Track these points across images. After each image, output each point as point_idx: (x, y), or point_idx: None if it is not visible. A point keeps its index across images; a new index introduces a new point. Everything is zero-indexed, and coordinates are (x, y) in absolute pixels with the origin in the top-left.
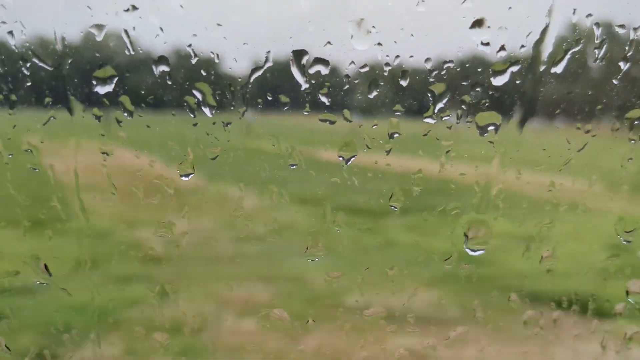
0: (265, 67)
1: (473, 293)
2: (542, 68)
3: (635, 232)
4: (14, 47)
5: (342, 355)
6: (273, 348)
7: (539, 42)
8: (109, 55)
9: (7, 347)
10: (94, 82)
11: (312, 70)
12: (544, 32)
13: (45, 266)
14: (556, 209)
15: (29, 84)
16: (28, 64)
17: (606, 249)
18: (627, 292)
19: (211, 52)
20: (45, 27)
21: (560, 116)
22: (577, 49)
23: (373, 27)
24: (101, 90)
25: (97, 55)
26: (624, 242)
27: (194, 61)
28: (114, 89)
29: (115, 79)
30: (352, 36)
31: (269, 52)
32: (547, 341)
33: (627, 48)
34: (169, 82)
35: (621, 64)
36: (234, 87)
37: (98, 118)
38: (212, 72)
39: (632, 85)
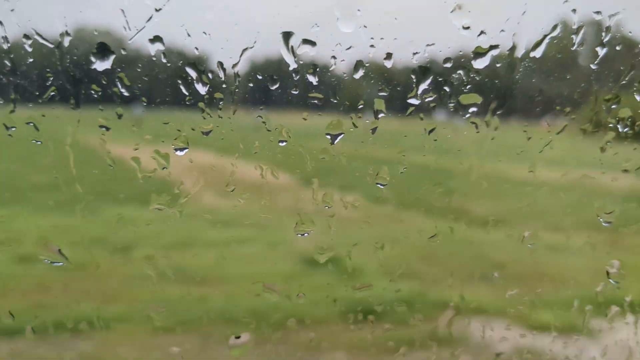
0: (253, 47)
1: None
2: (521, 53)
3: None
4: (17, 25)
5: None
6: None
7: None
8: (106, 35)
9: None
10: (93, 60)
11: (300, 51)
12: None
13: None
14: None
15: (31, 60)
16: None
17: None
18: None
19: (203, 32)
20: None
21: (540, 99)
22: (554, 34)
23: (358, 10)
24: (99, 67)
25: (96, 32)
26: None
27: (187, 41)
28: (111, 67)
29: (112, 57)
30: (338, 18)
31: (258, 32)
32: None
33: (603, 34)
34: (164, 61)
35: (598, 48)
36: (226, 67)
37: (97, 93)
38: (204, 53)
39: (609, 70)
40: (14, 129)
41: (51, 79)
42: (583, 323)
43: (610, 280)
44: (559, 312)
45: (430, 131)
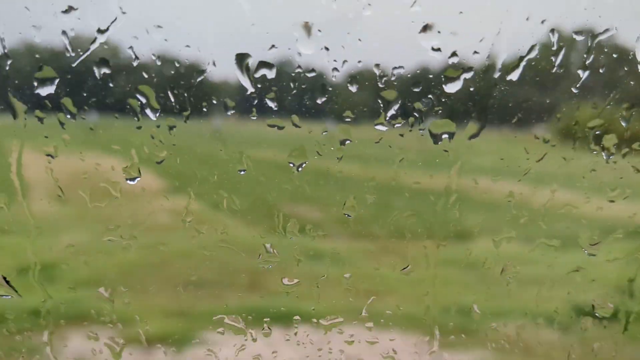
0: (208, 71)
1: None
2: (496, 75)
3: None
4: None
5: None
6: None
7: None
8: (49, 57)
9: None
10: (35, 84)
11: (257, 75)
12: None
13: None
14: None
15: None
16: None
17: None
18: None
19: (152, 54)
20: None
21: (517, 124)
22: (532, 55)
23: (319, 30)
24: (42, 92)
25: (37, 56)
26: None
27: (135, 63)
28: (55, 91)
29: (56, 81)
30: (297, 40)
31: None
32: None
33: (585, 55)
34: (111, 85)
35: (579, 71)
36: (177, 90)
37: (41, 120)
38: (154, 75)
39: (591, 94)
40: None
41: None
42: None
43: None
44: None
45: (400, 160)
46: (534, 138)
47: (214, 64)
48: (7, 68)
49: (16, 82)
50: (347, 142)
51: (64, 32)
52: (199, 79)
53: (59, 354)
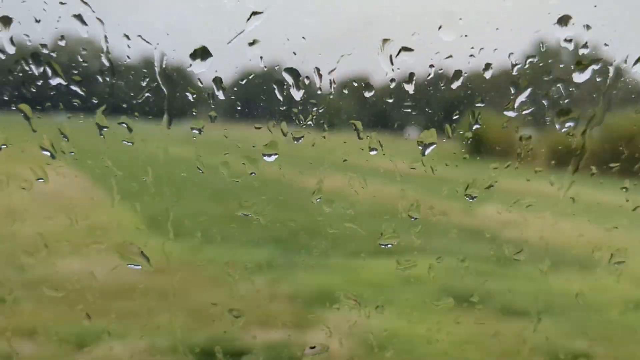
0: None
1: None
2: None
3: None
4: None
5: None
6: None
7: None
8: None
9: None
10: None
11: (398, 60)
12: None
13: None
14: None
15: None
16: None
17: None
18: None
19: (302, 37)
20: None
21: None
22: None
23: (460, 18)
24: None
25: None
26: None
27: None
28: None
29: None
30: (440, 27)
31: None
32: None
33: None
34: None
35: None
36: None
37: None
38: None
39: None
40: (106, 129)
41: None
42: None
43: None
44: None
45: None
46: None
47: None
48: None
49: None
50: (476, 126)
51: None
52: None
53: None
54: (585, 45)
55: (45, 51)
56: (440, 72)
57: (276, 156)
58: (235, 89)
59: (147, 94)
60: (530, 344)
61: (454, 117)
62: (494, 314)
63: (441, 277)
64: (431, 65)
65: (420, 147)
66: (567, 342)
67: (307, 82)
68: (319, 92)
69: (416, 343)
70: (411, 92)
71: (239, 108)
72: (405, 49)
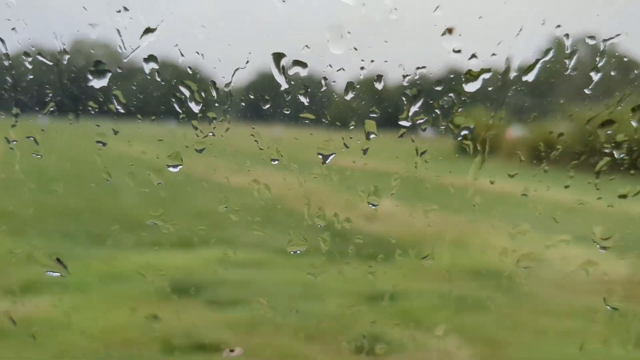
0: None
1: None
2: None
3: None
4: (17, 43)
5: None
6: None
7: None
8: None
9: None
10: (90, 77)
11: (291, 72)
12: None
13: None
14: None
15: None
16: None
17: None
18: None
19: (196, 52)
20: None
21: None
22: (547, 58)
23: (348, 32)
24: (96, 84)
25: (92, 51)
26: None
27: (180, 60)
28: (108, 84)
29: (109, 74)
30: (328, 40)
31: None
32: None
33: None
34: (158, 79)
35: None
36: (218, 85)
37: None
38: (197, 72)
39: (604, 95)
40: (15, 142)
41: (50, 94)
42: None
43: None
44: None
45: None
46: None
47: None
48: (65, 62)
49: (72, 75)
50: (372, 135)
51: (117, 30)
52: (236, 75)
53: None
54: (474, 56)
55: None
56: (333, 83)
57: (180, 167)
58: (135, 102)
59: (51, 108)
60: None
61: (350, 128)
62: None
63: None
64: (324, 78)
65: (320, 157)
66: None
67: (203, 95)
68: (216, 105)
69: None
70: (306, 103)
71: (140, 121)
72: (296, 62)
